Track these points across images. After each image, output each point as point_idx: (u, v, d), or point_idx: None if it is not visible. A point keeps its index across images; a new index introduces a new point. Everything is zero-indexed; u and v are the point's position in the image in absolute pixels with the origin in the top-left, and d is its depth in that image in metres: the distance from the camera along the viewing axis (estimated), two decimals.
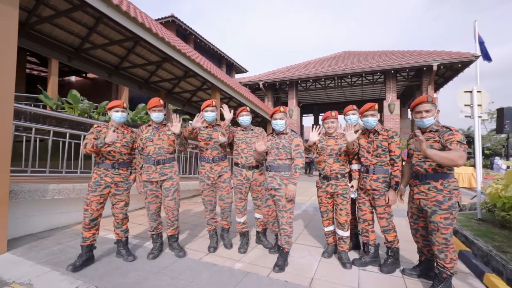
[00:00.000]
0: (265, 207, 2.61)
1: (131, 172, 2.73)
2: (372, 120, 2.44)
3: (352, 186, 2.59)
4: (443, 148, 2.00)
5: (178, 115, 2.63)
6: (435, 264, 2.15)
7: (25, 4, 4.62)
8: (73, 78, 12.29)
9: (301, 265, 2.62)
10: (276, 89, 14.60)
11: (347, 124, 2.51)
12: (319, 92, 14.84)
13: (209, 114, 2.78)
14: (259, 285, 2.22)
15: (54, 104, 7.41)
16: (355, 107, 2.84)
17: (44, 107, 7.56)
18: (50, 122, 5.54)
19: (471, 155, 8.61)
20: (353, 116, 2.78)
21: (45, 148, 3.95)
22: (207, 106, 2.77)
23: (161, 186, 2.69)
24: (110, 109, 2.61)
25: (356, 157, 2.64)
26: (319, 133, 2.49)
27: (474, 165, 6.08)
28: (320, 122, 2.92)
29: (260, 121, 12.52)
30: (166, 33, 5.82)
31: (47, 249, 2.90)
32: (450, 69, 11.13)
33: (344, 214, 2.55)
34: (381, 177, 2.43)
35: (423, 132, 2.18)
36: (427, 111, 2.10)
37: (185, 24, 14.70)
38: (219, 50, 17.68)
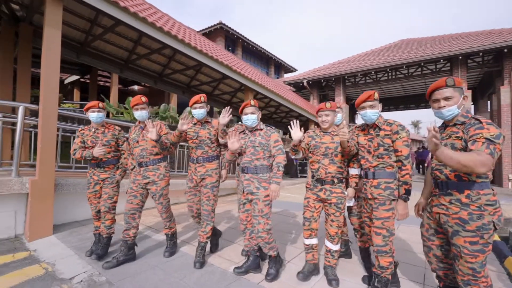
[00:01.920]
0: (243, 212, 2.39)
1: (118, 168, 2.84)
2: (371, 113, 1.98)
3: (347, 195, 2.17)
4: (466, 147, 1.50)
5: (151, 120, 2.50)
6: None
7: (83, 26, 5.50)
8: (136, 87, 14.07)
9: None
10: (322, 87, 13.90)
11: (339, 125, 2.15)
12: (370, 86, 13.47)
13: (198, 111, 2.57)
14: None
15: (114, 110, 8.64)
16: (338, 104, 2.51)
17: (108, 113, 8.91)
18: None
19: None
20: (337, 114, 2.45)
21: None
22: (195, 103, 2.56)
23: (147, 189, 2.65)
24: (87, 110, 2.70)
25: (354, 159, 2.21)
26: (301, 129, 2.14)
27: None
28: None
29: (305, 121, 12.09)
30: (198, 39, 6.13)
31: (81, 235, 3.34)
32: None
33: (336, 226, 2.18)
34: (383, 182, 1.95)
35: (446, 126, 1.69)
36: (446, 98, 1.59)
37: (233, 30, 15.38)
38: (267, 51, 17.98)
